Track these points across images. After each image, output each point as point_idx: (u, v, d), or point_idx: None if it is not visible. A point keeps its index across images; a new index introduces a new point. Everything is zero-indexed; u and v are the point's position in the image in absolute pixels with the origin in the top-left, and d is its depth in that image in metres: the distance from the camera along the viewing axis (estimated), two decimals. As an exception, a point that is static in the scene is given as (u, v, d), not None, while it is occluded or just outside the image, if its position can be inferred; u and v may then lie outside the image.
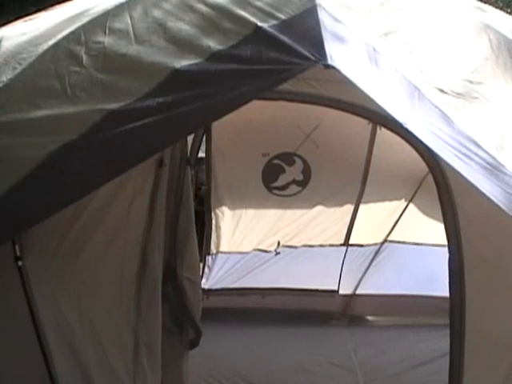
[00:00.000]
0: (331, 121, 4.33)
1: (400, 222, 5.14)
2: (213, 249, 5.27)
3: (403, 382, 4.23)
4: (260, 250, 5.12)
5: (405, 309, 5.04)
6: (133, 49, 2.13)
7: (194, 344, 2.91)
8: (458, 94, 2.16)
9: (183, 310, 2.75)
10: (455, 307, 2.53)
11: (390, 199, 5.12)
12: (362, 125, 4.27)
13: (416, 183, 4.87)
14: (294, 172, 4.96)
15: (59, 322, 2.24)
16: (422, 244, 5.05)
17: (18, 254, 2.14)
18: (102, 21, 2.25)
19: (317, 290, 5.25)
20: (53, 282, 2.23)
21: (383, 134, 4.21)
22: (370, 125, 4.44)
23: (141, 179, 2.38)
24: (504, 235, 2.33)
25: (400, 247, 5.18)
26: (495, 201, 1.94)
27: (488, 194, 1.94)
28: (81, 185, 2.03)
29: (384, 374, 4.31)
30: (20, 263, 2.14)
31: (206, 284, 5.05)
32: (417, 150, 2.64)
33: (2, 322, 2.20)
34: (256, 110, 3.66)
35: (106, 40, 2.19)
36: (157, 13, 2.16)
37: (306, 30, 1.98)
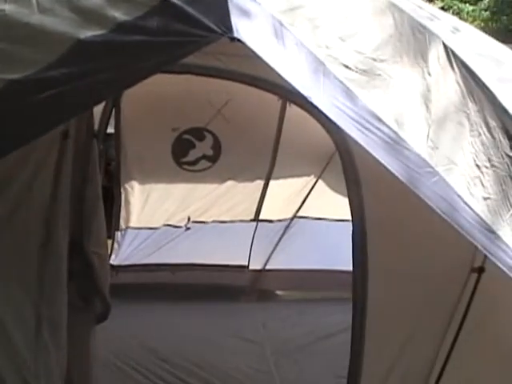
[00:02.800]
0: (242, 96, 4.33)
1: (309, 197, 5.23)
2: (122, 224, 5.22)
3: (310, 353, 4.34)
4: (170, 225, 5.11)
5: (313, 283, 5.15)
6: (35, 18, 2.07)
7: (101, 318, 2.89)
8: (362, 70, 2.20)
9: (91, 284, 2.73)
10: (358, 280, 2.60)
11: (300, 175, 5.20)
12: (273, 101, 4.30)
13: (325, 159, 4.95)
14: (204, 147, 4.96)
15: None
16: (330, 219, 5.14)
17: None
18: (2, -12, 2.19)
19: (227, 266, 5.30)
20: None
21: (293, 110, 4.25)
22: (280, 101, 4.48)
23: (44, 151, 2.33)
24: (405, 207, 2.41)
25: (309, 223, 5.27)
26: (396, 173, 2.01)
27: (389, 166, 2.01)
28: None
29: (292, 346, 4.41)
30: None
31: (115, 260, 5.02)
32: (323, 126, 2.68)
33: None
34: (166, 84, 3.64)
35: (7, 7, 2.13)
36: (61, -19, 2.10)
37: (213, 2, 1.97)
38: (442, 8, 22.29)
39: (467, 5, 22.97)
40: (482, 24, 21.65)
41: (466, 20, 22.71)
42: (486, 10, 21.71)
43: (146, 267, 5.14)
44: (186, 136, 4.88)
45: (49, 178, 2.36)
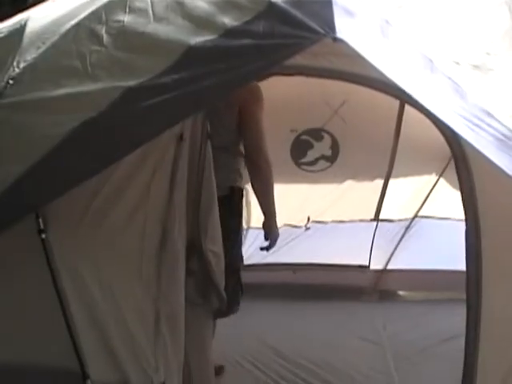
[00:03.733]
0: (359, 96, 4.32)
1: (431, 196, 5.14)
2: (244, 224, 5.33)
3: (431, 356, 4.26)
4: (290, 225, 5.16)
5: (435, 284, 5.05)
6: (151, 27, 2.19)
7: (219, 314, 2.99)
8: (474, 66, 2.17)
9: (208, 280, 2.83)
10: (471, 283, 2.55)
11: (420, 174, 5.12)
12: (390, 100, 4.26)
13: (446, 158, 4.85)
14: (322, 147, 4.97)
15: (82, 293, 2.33)
16: (453, 219, 5.02)
17: (42, 226, 2.24)
18: (122, 0, 2.32)
19: (347, 266, 5.29)
20: (75, 255, 2.32)
21: (412, 109, 4.20)
22: (398, 100, 4.43)
23: (160, 154, 2.44)
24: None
25: (431, 222, 5.18)
26: (507, 170, 1.95)
27: (500, 164, 1.96)
28: (101, 159, 2.11)
29: (413, 349, 4.34)
30: (43, 236, 2.24)
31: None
32: (435, 124, 2.65)
33: (28, 293, 2.31)
34: (281, 87, 3.71)
35: (126, 19, 2.26)
36: (176, -9, 2.20)
37: (317, 5, 2.01)
38: None
39: None
40: None
41: None
42: None
43: (267, 267, 5.22)
44: (304, 137, 4.92)
45: (165, 180, 2.47)
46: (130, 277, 2.41)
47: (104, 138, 2.09)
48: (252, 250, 5.30)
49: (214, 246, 2.84)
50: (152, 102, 2.03)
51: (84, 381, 2.32)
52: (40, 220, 2.22)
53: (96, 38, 2.25)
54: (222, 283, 2.89)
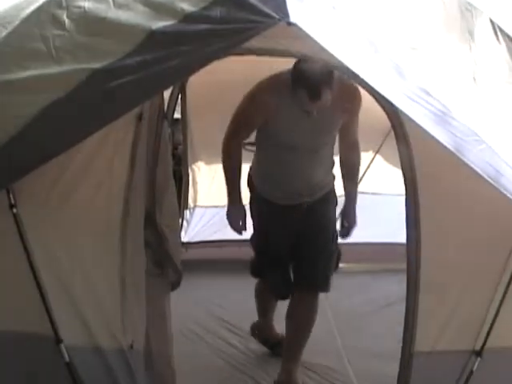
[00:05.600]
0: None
1: (367, 173, 5.35)
2: (190, 203, 5.47)
3: (372, 321, 4.52)
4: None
5: (374, 256, 5.29)
6: (112, 13, 2.29)
7: (175, 286, 3.14)
8: (412, 48, 2.34)
9: (164, 253, 2.98)
10: (411, 251, 2.77)
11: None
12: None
13: (383, 134, 5.06)
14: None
15: (52, 264, 2.49)
16: (389, 194, 5.25)
17: (13, 201, 2.37)
18: (81, -14, 2.41)
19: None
20: (45, 228, 2.46)
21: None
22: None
23: (122, 132, 2.57)
24: (456, 178, 2.56)
25: (368, 197, 5.38)
26: (443, 143, 2.16)
27: (437, 137, 2.16)
28: (68, 137, 2.25)
29: (353, 314, 4.60)
30: (14, 210, 2.37)
31: (184, 237, 5.26)
32: (378, 102, 2.82)
33: (3, 265, 2.44)
34: (228, 70, 3.84)
35: (87, 5, 2.36)
36: (133, -21, 2.32)
37: (271, -10, 2.16)
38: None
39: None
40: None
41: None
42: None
43: (214, 243, 5.37)
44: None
45: (126, 156, 2.60)
46: (96, 247, 2.56)
47: (72, 117, 2.22)
48: (199, 227, 5.46)
49: (170, 220, 3.00)
50: (117, 83, 2.16)
51: (57, 345, 2.47)
52: (11, 195, 2.35)
53: (58, 22, 2.35)
54: (178, 257, 3.05)
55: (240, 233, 3.79)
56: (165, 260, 3.03)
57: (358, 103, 3.53)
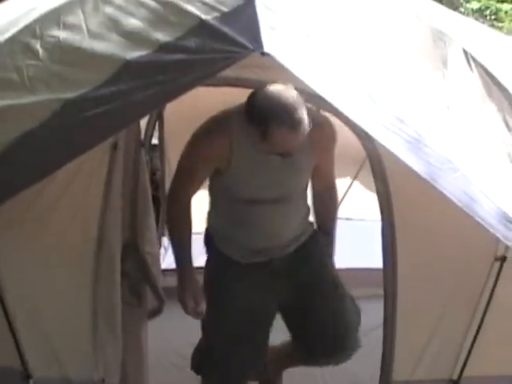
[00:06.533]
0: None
1: (345, 199, 5.36)
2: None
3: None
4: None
5: (351, 282, 5.27)
6: (86, 42, 2.29)
7: (156, 313, 3.12)
8: (386, 75, 2.37)
9: (146, 281, 2.96)
10: (388, 277, 2.78)
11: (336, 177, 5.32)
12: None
13: (360, 161, 5.08)
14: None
15: (23, 292, 2.46)
16: (366, 220, 5.26)
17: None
18: (55, 15, 2.41)
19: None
20: (18, 256, 2.44)
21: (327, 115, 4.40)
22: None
23: (97, 162, 2.57)
24: (431, 204, 2.57)
25: (346, 223, 5.40)
26: (417, 171, 2.17)
27: (411, 164, 2.16)
28: (42, 167, 2.23)
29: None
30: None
31: (162, 264, 5.19)
32: (353, 130, 2.85)
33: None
34: (205, 98, 3.85)
35: (61, 34, 2.36)
36: (108, 8, 2.32)
37: (245, 21, 2.18)
38: (479, 9, 22.00)
39: (505, 4, 22.70)
40: (523, 20, 21.36)
41: (504, 20, 22.36)
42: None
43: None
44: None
45: (101, 186, 2.60)
46: (70, 278, 2.54)
47: (46, 147, 2.21)
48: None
49: (151, 247, 2.99)
50: (92, 113, 2.15)
51: (27, 380, 2.44)
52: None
53: (31, 52, 2.34)
54: (159, 283, 3.04)
55: (196, 315, 3.02)
56: (145, 289, 3.02)
57: (332, 138, 2.98)
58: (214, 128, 2.82)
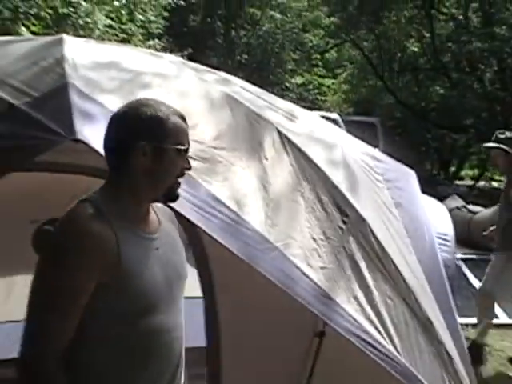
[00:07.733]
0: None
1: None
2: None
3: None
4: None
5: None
6: None
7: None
8: (204, 158, 2.39)
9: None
10: (211, 355, 2.78)
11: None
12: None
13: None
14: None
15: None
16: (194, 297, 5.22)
17: None
18: None
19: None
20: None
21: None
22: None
23: None
24: (252, 282, 2.61)
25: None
26: (235, 252, 2.19)
27: (229, 246, 2.18)
28: None
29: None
30: None
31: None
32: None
33: None
34: (21, 180, 3.70)
35: None
36: None
37: (58, 106, 2.15)
38: (303, 83, 23.16)
39: (326, 79, 24.01)
40: (344, 96, 22.63)
41: (327, 94, 23.57)
42: (345, 84, 22.70)
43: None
44: (47, 227, 4.86)
45: None
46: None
47: None
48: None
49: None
50: None
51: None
52: None
53: None
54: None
55: None
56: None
57: None
58: (90, 217, 1.94)
